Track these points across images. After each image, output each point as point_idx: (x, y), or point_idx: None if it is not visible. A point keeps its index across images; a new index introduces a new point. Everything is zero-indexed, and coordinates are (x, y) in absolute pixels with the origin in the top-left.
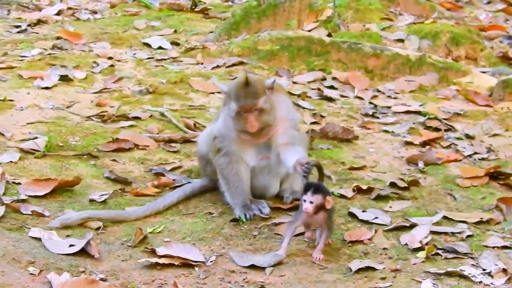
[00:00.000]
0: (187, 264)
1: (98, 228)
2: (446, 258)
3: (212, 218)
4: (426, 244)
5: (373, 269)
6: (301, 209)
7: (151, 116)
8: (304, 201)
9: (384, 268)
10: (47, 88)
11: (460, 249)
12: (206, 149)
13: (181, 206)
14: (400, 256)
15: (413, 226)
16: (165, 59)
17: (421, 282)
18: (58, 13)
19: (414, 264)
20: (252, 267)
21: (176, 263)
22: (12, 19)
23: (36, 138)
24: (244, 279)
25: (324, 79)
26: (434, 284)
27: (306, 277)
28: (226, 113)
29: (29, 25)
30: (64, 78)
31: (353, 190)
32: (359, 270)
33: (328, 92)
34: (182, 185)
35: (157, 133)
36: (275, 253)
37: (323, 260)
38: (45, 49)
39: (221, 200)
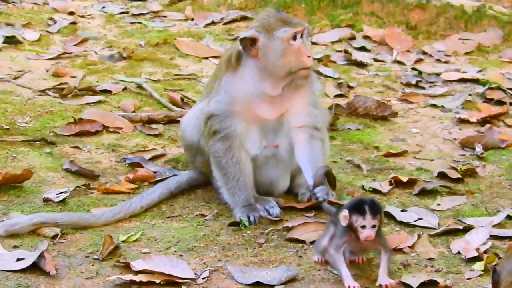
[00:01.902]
0: (172, 283)
1: (55, 237)
2: None
3: (205, 222)
4: (485, 252)
5: (433, 284)
6: (342, 230)
7: (125, 89)
8: (363, 227)
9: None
10: None
11: None
12: (195, 134)
13: (165, 207)
14: (450, 268)
15: (468, 229)
16: (143, 14)
17: None
18: None
19: (469, 278)
20: (257, 285)
21: (158, 281)
22: None
23: None
24: None
25: (353, 38)
26: None
27: None
28: (227, 81)
29: None
30: (11, 40)
31: (390, 183)
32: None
33: (358, 55)
34: (166, 178)
35: (133, 112)
36: (288, 267)
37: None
38: None
39: (216, 198)
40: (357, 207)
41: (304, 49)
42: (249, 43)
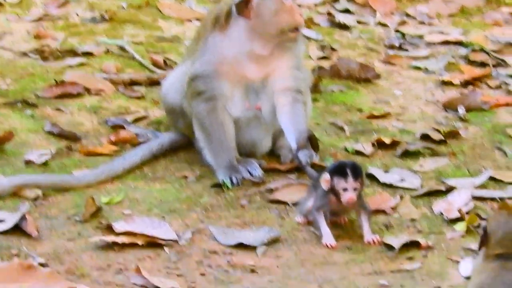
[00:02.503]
0: (154, 244)
1: (36, 198)
2: None
3: (188, 184)
4: (467, 213)
5: (415, 244)
6: (323, 193)
7: (107, 51)
8: (345, 189)
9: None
10: None
11: None
12: (177, 96)
13: (147, 169)
14: (432, 229)
15: (450, 190)
16: None
17: (459, 262)
18: None
19: (451, 239)
20: (240, 246)
21: (140, 243)
22: None
23: None
24: (228, 262)
25: (336, 0)
26: None
27: (310, 258)
28: (214, 41)
29: None
30: None
31: (373, 145)
32: (373, 249)
33: (342, 18)
34: (148, 140)
35: (115, 73)
36: (270, 228)
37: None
38: None
39: (199, 160)
40: (339, 170)
41: (296, 7)
42: (244, 6)
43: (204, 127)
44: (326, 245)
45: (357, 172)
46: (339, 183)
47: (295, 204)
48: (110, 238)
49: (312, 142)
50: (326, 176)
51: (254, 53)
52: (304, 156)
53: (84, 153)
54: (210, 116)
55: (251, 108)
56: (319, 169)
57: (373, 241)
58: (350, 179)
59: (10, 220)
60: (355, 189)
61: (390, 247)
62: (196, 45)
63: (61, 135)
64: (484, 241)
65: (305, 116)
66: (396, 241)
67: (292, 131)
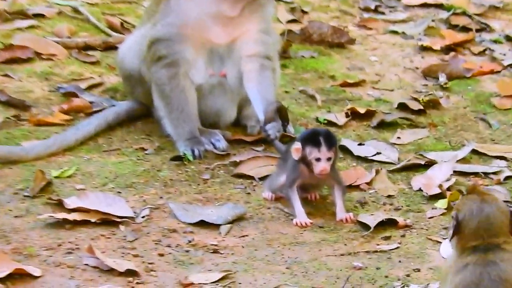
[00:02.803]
0: (108, 221)
1: None
2: None
3: (146, 156)
4: (448, 189)
5: (392, 223)
6: (294, 165)
7: (60, 13)
8: (318, 159)
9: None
10: None
11: (496, 195)
12: (135, 61)
13: (102, 140)
14: (411, 206)
15: (430, 164)
16: None
17: (440, 242)
18: None
19: (431, 217)
20: (202, 224)
21: (93, 220)
22: None
23: None
24: (189, 242)
25: None
26: None
27: (278, 237)
28: (177, 1)
29: None
30: None
31: (347, 115)
32: (346, 227)
33: None
34: (103, 109)
35: (68, 37)
36: (235, 205)
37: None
38: None
39: (158, 131)
40: (311, 139)
41: None
42: None
43: (164, 95)
44: (300, 223)
45: (331, 141)
46: (312, 152)
47: (262, 179)
48: (61, 215)
49: (281, 112)
50: (297, 144)
51: (221, 15)
52: (272, 129)
53: (34, 122)
54: (171, 83)
55: (216, 75)
56: (289, 141)
57: (346, 219)
58: (324, 148)
59: None
60: (328, 159)
61: (365, 226)
62: (157, 6)
63: (9, 103)
64: (456, 231)
65: (273, 84)
66: (372, 220)
67: (259, 100)
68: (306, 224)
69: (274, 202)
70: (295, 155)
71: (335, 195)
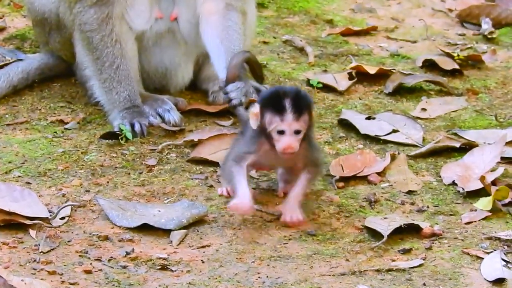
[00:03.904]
0: (14, 224)
1: None
2: None
3: (66, 133)
4: (493, 183)
5: (414, 230)
6: (251, 136)
7: None
8: (281, 132)
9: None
10: None
11: None
12: None
13: (4, 109)
14: (441, 207)
15: (468, 147)
16: None
17: (481, 258)
18: None
19: (469, 223)
20: (145, 229)
21: None
22: None
23: None
24: (128, 254)
25: None
26: (507, 262)
27: (254, 249)
28: None
29: None
30: None
31: (350, 77)
32: (350, 236)
33: None
34: (6, 65)
35: None
36: (192, 203)
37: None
38: None
39: (83, 96)
40: (273, 101)
41: None
42: None
43: (92, 44)
44: (236, 207)
45: (301, 104)
46: (272, 122)
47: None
48: None
49: (252, 69)
50: (255, 108)
51: None
52: (235, 91)
53: None
54: (101, 28)
55: (164, 18)
56: None
57: (292, 220)
58: (289, 115)
59: None
60: (297, 133)
61: (375, 234)
62: None
63: None
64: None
65: (242, 31)
66: (385, 226)
67: (221, 53)
68: (244, 209)
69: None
70: (253, 122)
71: (301, 178)
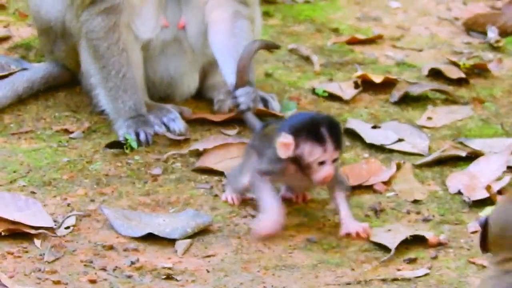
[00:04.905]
0: (18, 234)
1: None
2: None
3: (71, 142)
4: (499, 192)
5: (420, 240)
6: (274, 158)
7: None
8: (322, 163)
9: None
10: None
11: None
12: (57, 7)
13: (9, 118)
14: (446, 216)
15: (474, 156)
16: None
17: (487, 267)
18: None
19: (475, 232)
20: (150, 239)
21: None
22: None
23: None
24: (133, 264)
25: None
26: None
27: (259, 258)
28: None
29: None
30: None
31: (356, 85)
32: (355, 245)
33: None
34: (11, 74)
35: None
36: (197, 212)
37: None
38: None
39: (88, 105)
40: (311, 132)
41: None
42: None
43: (98, 54)
44: (265, 227)
45: (338, 134)
46: (313, 153)
47: None
48: None
49: (266, 47)
50: (286, 138)
51: None
52: (244, 96)
53: None
54: (109, 36)
55: (171, 26)
56: (271, 118)
57: (357, 233)
58: (331, 146)
59: None
60: (334, 161)
61: (380, 244)
62: None
63: None
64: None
65: (250, 38)
66: (390, 237)
67: (230, 60)
68: (275, 226)
69: (241, 207)
70: (283, 152)
71: (337, 198)
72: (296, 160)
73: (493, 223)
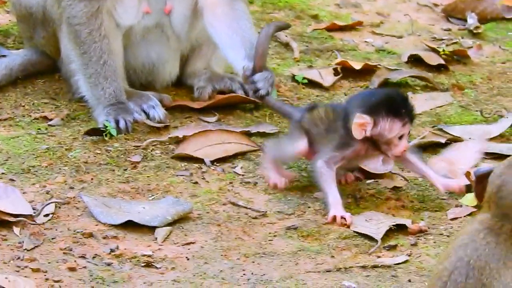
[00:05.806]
0: None
1: None
2: None
3: (50, 129)
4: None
5: (400, 228)
6: (345, 140)
7: None
8: (401, 137)
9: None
10: None
11: None
12: None
13: None
14: (426, 203)
15: (452, 142)
16: None
17: None
18: None
19: (454, 219)
20: (130, 226)
21: None
22: None
23: None
24: (112, 252)
25: None
26: None
27: (239, 246)
28: None
29: None
30: None
31: (336, 72)
32: (334, 233)
33: None
34: None
35: None
36: (177, 200)
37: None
38: None
39: (67, 92)
40: (390, 108)
41: None
42: None
43: (80, 39)
44: (336, 219)
45: (412, 108)
46: (394, 129)
47: (214, 162)
48: None
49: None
50: (363, 118)
51: None
52: (263, 81)
53: None
54: (90, 22)
55: (154, 12)
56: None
57: (460, 188)
58: (408, 120)
59: None
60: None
61: (365, 235)
62: None
63: None
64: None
65: (250, 19)
66: (373, 227)
67: (236, 43)
68: (345, 220)
69: (233, 195)
70: (359, 133)
71: (416, 163)
72: (370, 139)
73: (491, 180)
